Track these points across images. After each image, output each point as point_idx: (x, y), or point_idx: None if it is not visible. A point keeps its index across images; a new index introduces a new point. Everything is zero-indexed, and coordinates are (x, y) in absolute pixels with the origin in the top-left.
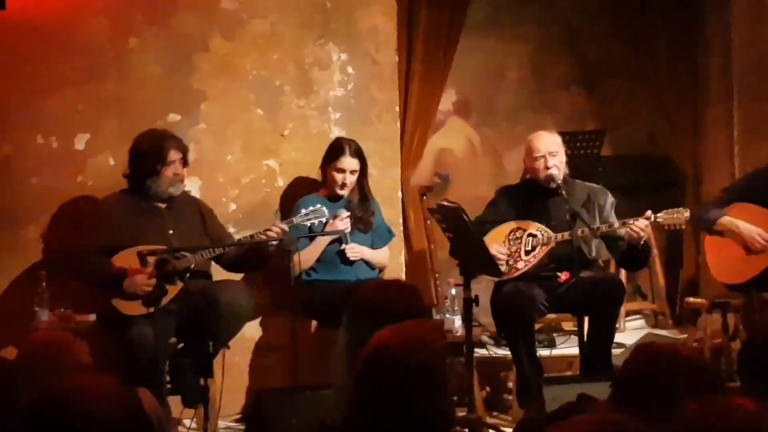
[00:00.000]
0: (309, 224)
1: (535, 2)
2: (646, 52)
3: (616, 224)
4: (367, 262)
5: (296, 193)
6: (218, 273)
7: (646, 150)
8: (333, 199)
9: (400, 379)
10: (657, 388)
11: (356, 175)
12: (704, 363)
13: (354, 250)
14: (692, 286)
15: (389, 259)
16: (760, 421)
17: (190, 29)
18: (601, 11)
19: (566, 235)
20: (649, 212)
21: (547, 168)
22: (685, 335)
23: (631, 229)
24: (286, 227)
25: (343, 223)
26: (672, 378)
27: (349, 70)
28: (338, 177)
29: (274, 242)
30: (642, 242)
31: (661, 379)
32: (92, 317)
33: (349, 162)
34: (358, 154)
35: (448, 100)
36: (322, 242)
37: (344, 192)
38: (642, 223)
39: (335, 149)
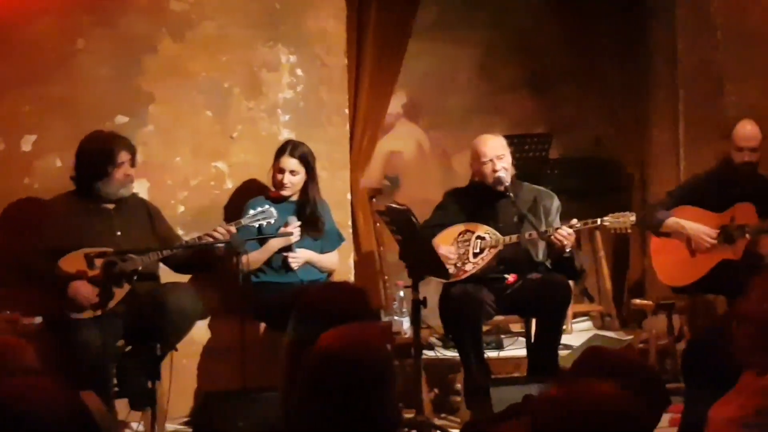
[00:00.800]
0: (257, 225)
1: (485, 6)
2: (593, 57)
3: (551, 230)
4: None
5: (245, 195)
6: (166, 275)
7: (593, 153)
8: (281, 201)
9: (345, 382)
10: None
11: (297, 176)
12: (649, 368)
13: (296, 259)
14: (638, 287)
15: (338, 262)
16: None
17: (138, 30)
18: (550, 16)
19: (514, 237)
20: (574, 220)
21: (495, 171)
22: (631, 336)
23: (555, 237)
24: (233, 229)
25: (293, 230)
26: (617, 382)
27: (299, 72)
28: (278, 176)
29: (222, 244)
30: (566, 251)
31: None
32: (38, 320)
33: (288, 162)
34: (302, 156)
35: (397, 102)
36: (272, 246)
37: (285, 192)
38: (564, 231)
39: (278, 150)
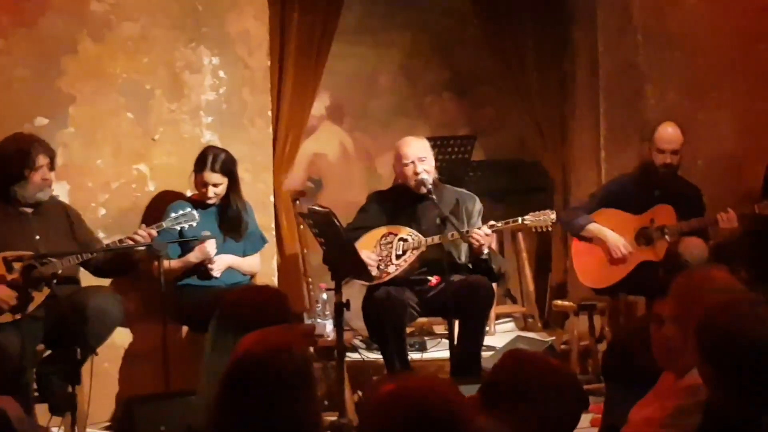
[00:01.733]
0: (179, 228)
1: (408, 8)
2: (515, 59)
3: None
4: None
5: (167, 197)
6: (87, 279)
7: (516, 155)
8: (204, 205)
9: (265, 386)
10: (522, 393)
11: (221, 186)
12: (566, 369)
13: (218, 268)
14: (560, 289)
15: (262, 264)
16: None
17: (58, 31)
18: (472, 18)
19: (437, 238)
20: (492, 222)
21: (417, 174)
22: (553, 337)
23: (472, 237)
24: (154, 232)
25: (211, 249)
26: (537, 384)
27: (221, 74)
28: (202, 190)
29: (143, 247)
30: (484, 254)
31: (526, 385)
32: None
33: (210, 176)
34: (223, 167)
35: (321, 104)
36: (189, 260)
37: (211, 202)
38: (482, 231)
39: (199, 162)
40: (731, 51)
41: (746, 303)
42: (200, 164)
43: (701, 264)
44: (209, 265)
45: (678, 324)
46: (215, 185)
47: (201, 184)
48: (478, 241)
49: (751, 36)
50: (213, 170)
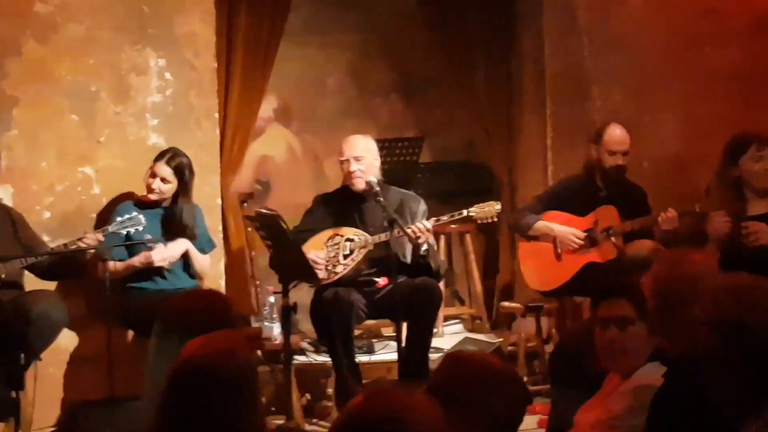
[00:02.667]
0: (126, 232)
1: (355, 10)
2: (463, 61)
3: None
4: (185, 269)
5: (113, 200)
6: (31, 283)
7: (464, 157)
8: (150, 206)
9: (208, 391)
10: (464, 395)
11: (168, 185)
12: (506, 366)
13: (163, 258)
14: (508, 290)
15: (210, 267)
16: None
17: (1, 33)
18: (420, 19)
19: (383, 236)
20: (434, 219)
21: (351, 172)
22: (501, 339)
23: (412, 231)
24: (101, 237)
25: (156, 258)
26: (478, 385)
27: (167, 76)
28: (149, 180)
29: (90, 250)
30: (423, 248)
31: (467, 386)
32: None
33: (161, 168)
34: (177, 167)
35: (268, 106)
36: (132, 264)
37: (152, 196)
38: (421, 224)
39: (158, 154)
40: (676, 53)
41: (758, 289)
42: (158, 156)
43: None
44: (154, 260)
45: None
46: (163, 180)
47: (150, 175)
48: (415, 233)
49: (696, 38)
50: (167, 164)
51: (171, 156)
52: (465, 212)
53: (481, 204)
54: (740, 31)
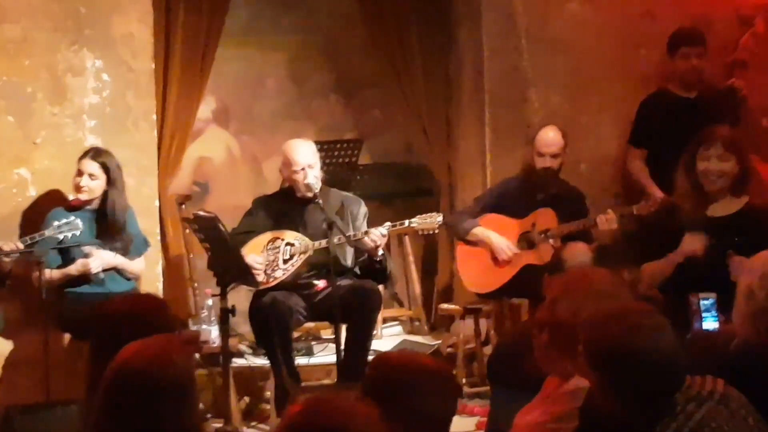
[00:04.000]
0: (62, 237)
1: (294, 11)
2: (402, 63)
3: (361, 233)
4: (121, 273)
5: (49, 203)
6: None
7: (403, 158)
8: (80, 209)
9: (144, 396)
10: (394, 394)
11: (96, 181)
12: (438, 366)
13: (99, 266)
14: (447, 292)
15: (146, 270)
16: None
17: None
18: (358, 20)
19: (323, 242)
20: (387, 223)
21: (308, 183)
22: (440, 341)
23: (369, 239)
24: (20, 245)
25: (94, 265)
26: (406, 383)
27: (105, 77)
28: (76, 179)
29: (17, 255)
30: (379, 255)
31: (396, 386)
32: None
33: (87, 164)
34: (104, 163)
35: (207, 107)
36: (69, 272)
37: (82, 196)
38: (378, 232)
39: (83, 154)
40: (613, 55)
41: (635, 314)
42: (82, 155)
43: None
44: (88, 267)
45: (552, 330)
46: (91, 176)
47: (77, 173)
48: (374, 242)
49: (632, 41)
50: (93, 159)
51: (95, 152)
52: (407, 223)
53: (423, 215)
54: None
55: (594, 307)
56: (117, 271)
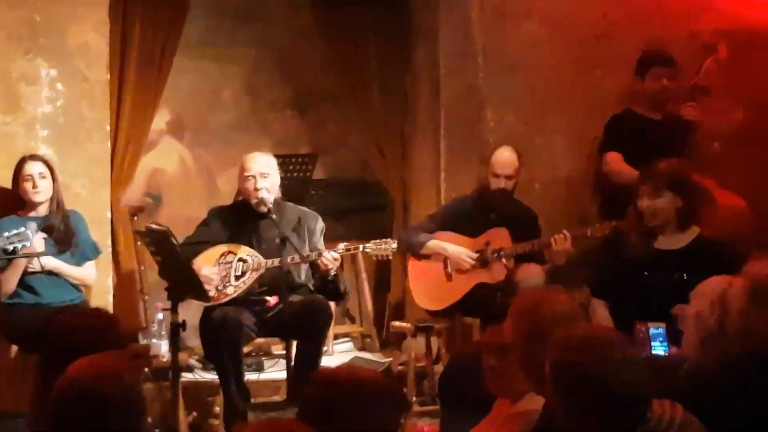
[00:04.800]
0: (12, 248)
1: (251, 23)
2: (358, 78)
3: (314, 254)
4: (73, 285)
5: (1, 212)
6: None
7: (358, 174)
8: (30, 218)
9: (92, 413)
10: (338, 413)
11: (46, 180)
12: (380, 381)
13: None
14: (400, 309)
15: (97, 282)
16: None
17: None
18: (315, 34)
19: (276, 261)
20: (341, 245)
21: (257, 189)
22: (391, 358)
23: (321, 262)
24: None
25: (39, 243)
26: (350, 400)
27: (59, 86)
28: (28, 186)
29: None
30: (332, 275)
31: (340, 403)
32: None
33: (32, 166)
34: (47, 162)
35: (161, 119)
36: (19, 264)
37: (40, 198)
38: (330, 255)
39: (18, 164)
40: (568, 76)
41: (607, 342)
42: (19, 164)
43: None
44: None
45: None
46: (41, 175)
47: (24, 179)
48: (326, 265)
49: (588, 62)
50: (34, 160)
51: (31, 155)
52: (361, 248)
53: (377, 240)
54: (630, 57)
55: (550, 330)
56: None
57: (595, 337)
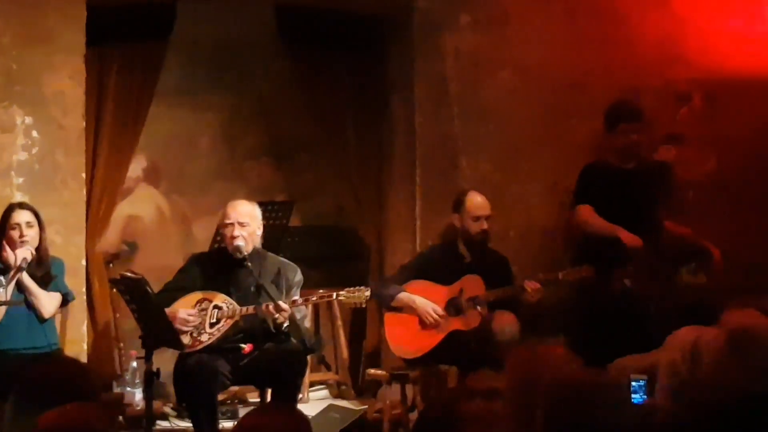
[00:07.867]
0: None
1: (228, 72)
2: (335, 126)
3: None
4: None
5: None
6: None
7: (333, 221)
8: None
9: None
10: None
11: (33, 228)
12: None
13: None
14: (375, 356)
15: (71, 330)
16: None
17: None
18: (292, 83)
19: (251, 309)
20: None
21: (233, 237)
22: (366, 406)
23: (267, 311)
24: None
25: (22, 252)
26: None
27: (34, 134)
28: (14, 234)
29: None
30: (284, 325)
31: None
32: None
33: (21, 214)
34: (33, 210)
35: (137, 166)
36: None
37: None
38: (281, 304)
39: (5, 212)
40: (543, 124)
41: (599, 388)
42: (6, 211)
43: (515, 339)
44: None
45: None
46: (28, 224)
47: (11, 228)
48: (272, 313)
49: (563, 110)
50: (22, 208)
51: (19, 203)
52: (334, 296)
53: (351, 288)
54: (604, 105)
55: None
56: (40, 321)
57: (587, 383)
